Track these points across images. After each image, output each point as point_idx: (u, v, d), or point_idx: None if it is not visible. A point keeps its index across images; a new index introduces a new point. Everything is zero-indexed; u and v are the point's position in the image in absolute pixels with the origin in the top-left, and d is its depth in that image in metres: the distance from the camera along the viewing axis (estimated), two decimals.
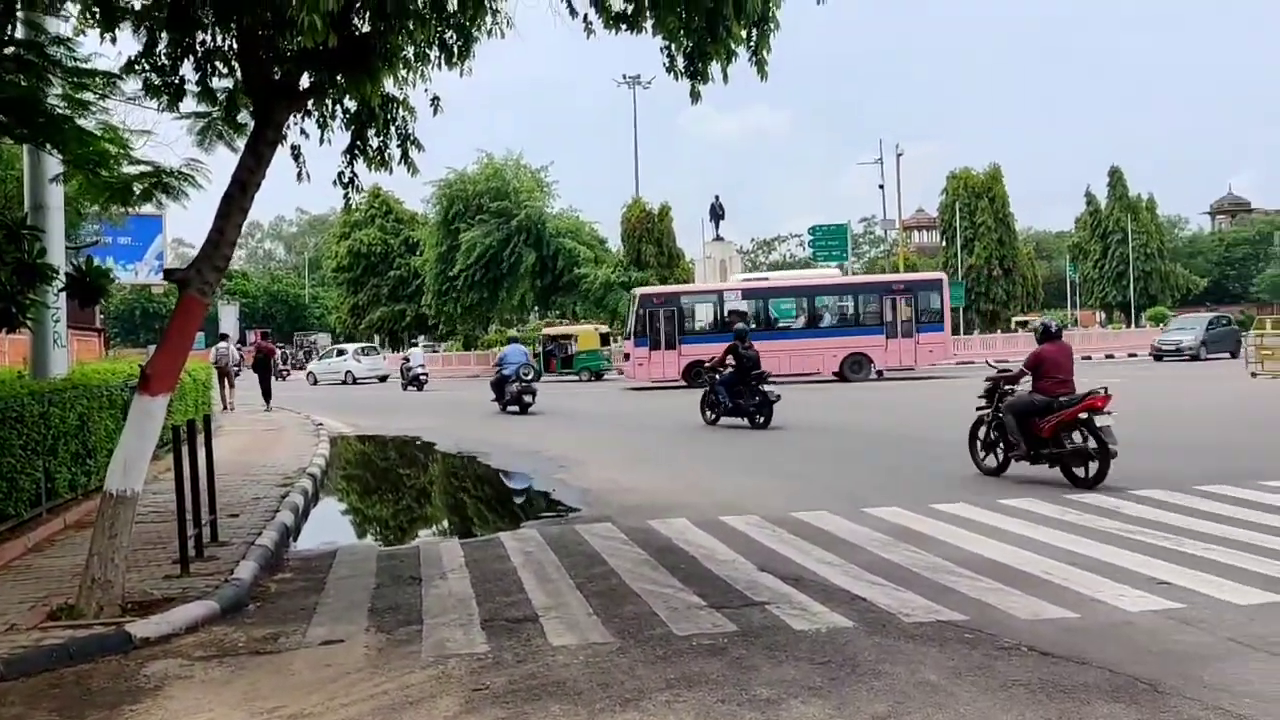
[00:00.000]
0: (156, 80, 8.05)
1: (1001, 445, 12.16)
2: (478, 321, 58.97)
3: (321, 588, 8.08)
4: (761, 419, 19.01)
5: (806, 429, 18.78)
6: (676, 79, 7.99)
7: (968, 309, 62.65)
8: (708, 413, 20.27)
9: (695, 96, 8.06)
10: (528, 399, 24.72)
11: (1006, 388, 12.33)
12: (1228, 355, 41.41)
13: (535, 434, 19.74)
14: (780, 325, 35.86)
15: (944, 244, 70.55)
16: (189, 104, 8.35)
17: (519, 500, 13.39)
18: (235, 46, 7.93)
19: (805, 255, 75.47)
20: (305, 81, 7.90)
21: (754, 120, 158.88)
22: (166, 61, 8.00)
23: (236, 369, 30.12)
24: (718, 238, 54.23)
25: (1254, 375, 29.05)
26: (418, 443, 20.16)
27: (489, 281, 53.36)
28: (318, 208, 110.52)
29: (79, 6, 7.63)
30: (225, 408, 26.29)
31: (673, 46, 7.85)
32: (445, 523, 12.33)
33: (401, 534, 11.55)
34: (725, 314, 34.86)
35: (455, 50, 8.20)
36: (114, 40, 7.69)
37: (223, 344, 28.71)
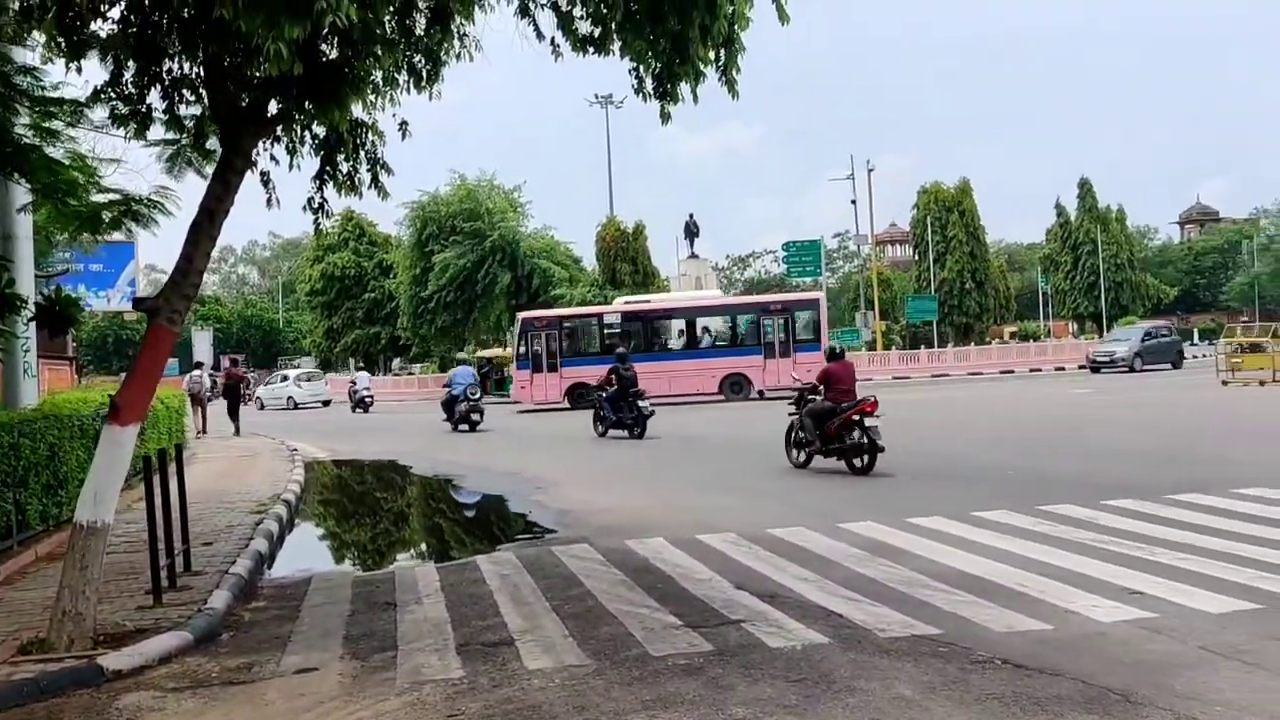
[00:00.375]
0: (124, 109, 8.02)
1: (805, 443, 14.62)
2: (453, 343, 58.66)
3: (296, 615, 8.02)
4: (638, 430, 21.14)
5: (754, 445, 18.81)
6: (645, 100, 8.03)
7: (941, 322, 63.12)
8: (598, 426, 22.22)
9: (665, 118, 8.09)
10: (475, 417, 25.95)
11: (810, 397, 15.00)
12: (1168, 366, 41.60)
13: (507, 455, 19.81)
14: (662, 347, 35.96)
15: (916, 258, 71.11)
16: (157, 131, 8.33)
17: (496, 522, 13.35)
18: (202, 74, 7.90)
19: (780, 271, 75.74)
20: (273, 108, 7.85)
21: (726, 138, 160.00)
22: (133, 90, 7.96)
23: (210, 395, 30.50)
24: (693, 255, 54.38)
25: (1225, 384, 29.43)
26: (393, 466, 20.08)
27: (463, 303, 53.11)
28: (291, 231, 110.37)
29: (45, 36, 7.61)
30: (199, 434, 26.58)
31: (641, 68, 7.89)
32: (421, 546, 12.28)
33: (378, 559, 11.48)
34: (606, 337, 35.02)
35: (424, 74, 8.19)
36: (80, 70, 7.68)
37: (196, 371, 29.94)
